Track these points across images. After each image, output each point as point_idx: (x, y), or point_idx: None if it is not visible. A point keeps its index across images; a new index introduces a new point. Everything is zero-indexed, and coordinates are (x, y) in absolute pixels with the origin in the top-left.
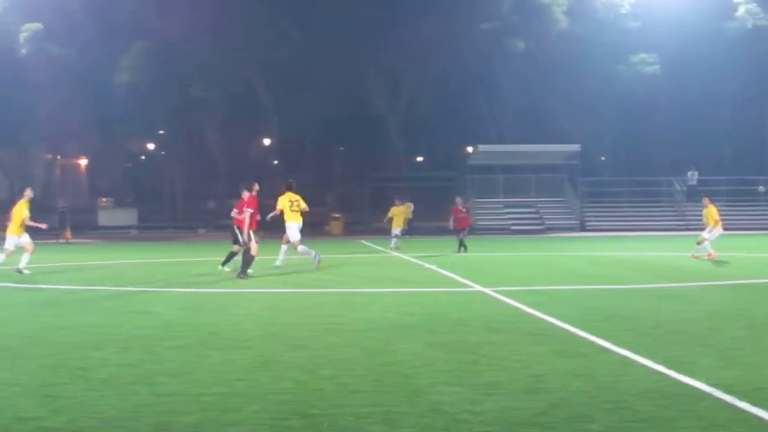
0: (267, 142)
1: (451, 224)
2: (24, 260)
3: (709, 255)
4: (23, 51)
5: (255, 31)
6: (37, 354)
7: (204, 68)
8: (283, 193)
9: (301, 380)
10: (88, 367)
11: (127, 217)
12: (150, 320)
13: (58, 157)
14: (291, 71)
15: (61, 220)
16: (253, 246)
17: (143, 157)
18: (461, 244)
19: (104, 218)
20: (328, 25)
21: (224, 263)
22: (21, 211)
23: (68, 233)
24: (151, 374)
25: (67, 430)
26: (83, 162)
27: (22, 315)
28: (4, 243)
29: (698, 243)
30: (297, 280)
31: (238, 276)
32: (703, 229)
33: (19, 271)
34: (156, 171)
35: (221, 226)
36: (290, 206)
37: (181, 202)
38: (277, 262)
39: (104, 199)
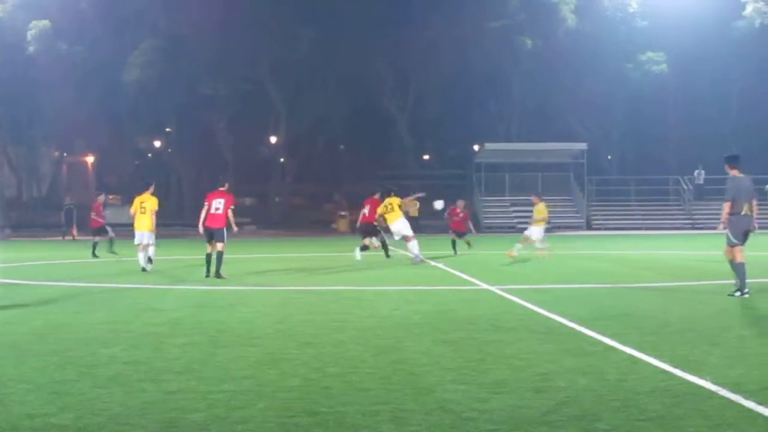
0: (275, 139)
1: (445, 219)
2: None
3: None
4: (31, 48)
5: (265, 28)
6: (45, 351)
7: (213, 66)
8: (381, 198)
9: (309, 378)
10: (96, 364)
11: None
12: (158, 317)
13: (65, 154)
14: (300, 69)
15: (68, 217)
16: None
17: (151, 155)
18: (455, 245)
19: (112, 215)
20: (338, 24)
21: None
22: None
23: (75, 230)
24: (158, 371)
25: (74, 427)
26: (90, 159)
27: (30, 312)
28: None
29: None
30: (306, 278)
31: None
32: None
33: None
34: (164, 168)
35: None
36: (385, 209)
37: (188, 199)
38: (419, 256)
39: (111, 197)
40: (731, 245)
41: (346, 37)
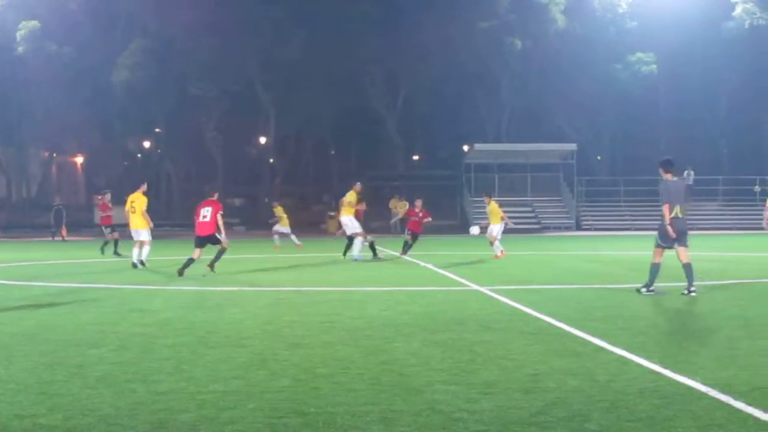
0: (265, 140)
1: (393, 219)
2: None
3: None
4: (20, 49)
5: (254, 30)
6: (34, 351)
7: (202, 66)
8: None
9: (298, 378)
10: (85, 364)
11: (123, 214)
12: (147, 318)
13: (55, 154)
14: (289, 70)
15: (57, 217)
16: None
17: (140, 155)
18: (407, 245)
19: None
20: (328, 24)
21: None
22: None
23: (64, 231)
24: (147, 372)
25: (63, 428)
26: (80, 160)
27: (19, 312)
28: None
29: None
30: (295, 278)
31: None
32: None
33: None
34: (153, 169)
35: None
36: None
37: (178, 199)
38: (359, 257)
39: (101, 197)
40: (658, 247)
41: (336, 37)
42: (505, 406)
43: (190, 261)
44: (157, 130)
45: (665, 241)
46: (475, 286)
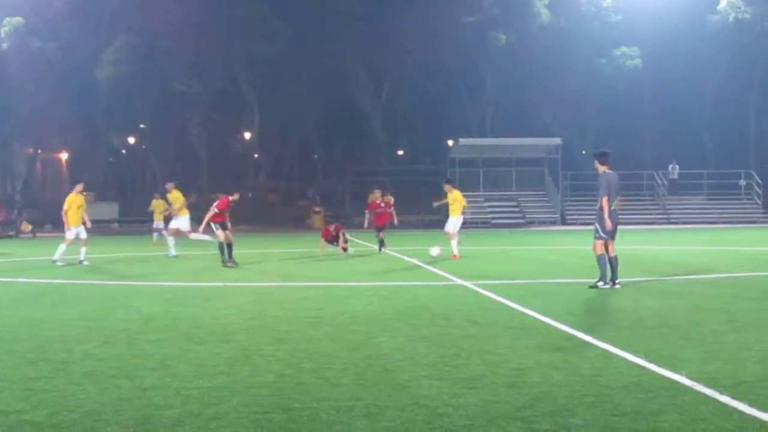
0: (249, 136)
1: (366, 224)
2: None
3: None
4: (4, 45)
5: (239, 26)
6: (19, 348)
7: (187, 63)
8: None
9: (283, 374)
10: (70, 360)
11: (108, 211)
12: (132, 314)
13: (39, 151)
14: (274, 66)
15: (18, 215)
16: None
17: (125, 152)
18: (381, 243)
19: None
20: (311, 20)
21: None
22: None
23: (23, 226)
24: (132, 368)
25: (48, 424)
26: (65, 156)
27: (3, 309)
28: None
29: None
30: (280, 274)
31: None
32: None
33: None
34: (138, 165)
35: (202, 219)
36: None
37: (162, 196)
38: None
39: (85, 194)
40: (600, 239)
41: (319, 34)
42: (490, 401)
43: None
44: (141, 126)
45: (607, 233)
46: (459, 281)
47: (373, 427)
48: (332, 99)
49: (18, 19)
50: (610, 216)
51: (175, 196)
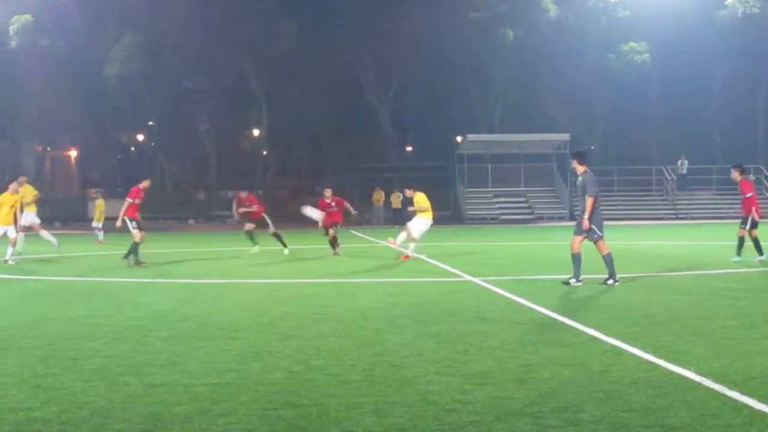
0: (258, 132)
1: (320, 223)
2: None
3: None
4: (13, 43)
5: (246, 23)
6: (28, 345)
7: (195, 60)
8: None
9: (292, 370)
10: (79, 358)
11: (117, 208)
12: (141, 311)
13: (49, 148)
14: (282, 62)
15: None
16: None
17: (133, 149)
18: (334, 242)
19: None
20: (320, 17)
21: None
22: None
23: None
24: (141, 365)
25: (58, 421)
26: (74, 154)
27: (13, 306)
28: None
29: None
30: (288, 271)
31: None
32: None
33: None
34: (146, 162)
35: (212, 216)
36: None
37: (171, 193)
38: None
39: (94, 191)
40: (599, 239)
41: (327, 30)
42: (499, 397)
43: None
44: (150, 123)
45: (602, 230)
46: (468, 277)
47: (382, 423)
48: (340, 95)
49: (27, 17)
50: (597, 214)
51: (27, 190)
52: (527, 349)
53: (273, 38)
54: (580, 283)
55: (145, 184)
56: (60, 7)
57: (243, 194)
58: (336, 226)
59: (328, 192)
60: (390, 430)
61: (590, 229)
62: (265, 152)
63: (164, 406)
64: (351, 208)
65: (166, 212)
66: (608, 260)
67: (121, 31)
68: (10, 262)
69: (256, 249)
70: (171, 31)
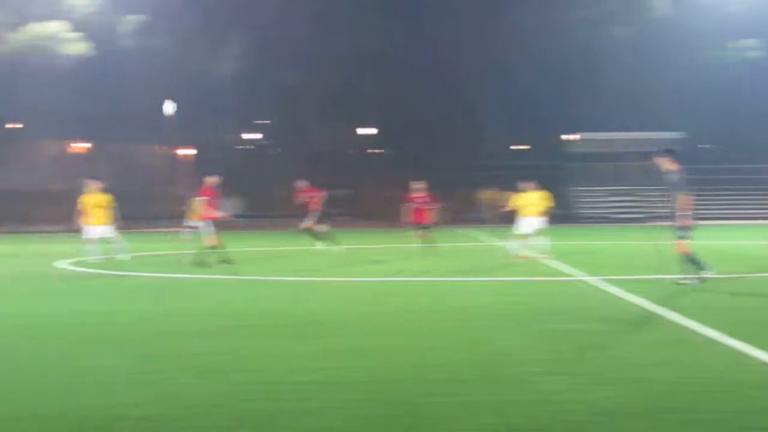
0: (369, 131)
1: (408, 219)
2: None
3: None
4: (126, 43)
5: (356, 19)
6: (136, 340)
7: (305, 58)
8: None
9: (405, 368)
10: (185, 354)
11: (234, 206)
12: (250, 308)
13: (167, 148)
14: (391, 60)
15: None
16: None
17: (244, 147)
18: (426, 240)
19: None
20: (431, 15)
21: None
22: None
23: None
24: (247, 361)
25: (169, 417)
26: (189, 153)
27: (116, 303)
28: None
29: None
30: (399, 269)
31: None
32: None
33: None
34: (257, 161)
35: (325, 214)
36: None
37: (282, 191)
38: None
39: (200, 189)
40: (685, 237)
41: (437, 27)
42: (616, 397)
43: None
44: (261, 122)
45: (690, 230)
46: (581, 277)
47: (499, 422)
48: (449, 93)
49: (138, 17)
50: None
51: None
52: (644, 349)
53: (383, 35)
54: (697, 282)
55: (212, 179)
56: (170, 8)
57: (302, 184)
58: (428, 227)
59: (419, 185)
60: (507, 430)
61: (685, 226)
62: (377, 150)
63: (275, 403)
64: (435, 209)
65: (277, 210)
66: (688, 259)
67: (231, 29)
68: (120, 258)
69: (337, 249)
70: (280, 29)
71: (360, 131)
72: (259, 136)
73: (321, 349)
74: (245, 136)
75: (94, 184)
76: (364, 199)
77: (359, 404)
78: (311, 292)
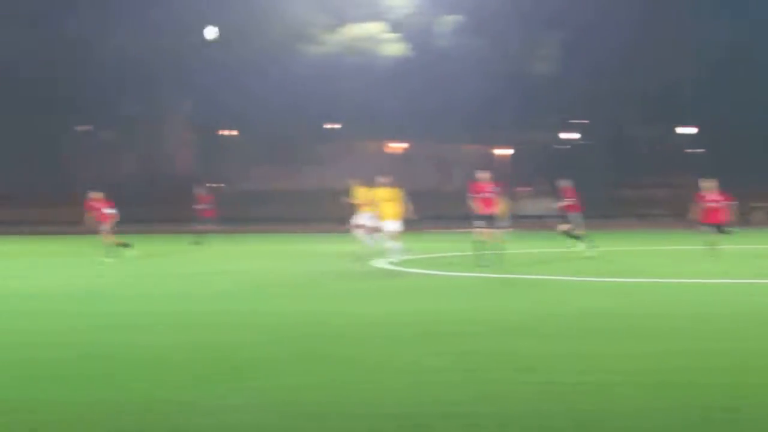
0: (689, 130)
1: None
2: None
3: None
4: (444, 43)
5: (680, 19)
6: (456, 336)
7: (623, 59)
8: None
9: (727, 371)
10: (509, 352)
11: (548, 206)
12: (562, 308)
13: (481, 146)
14: (716, 57)
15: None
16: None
17: (562, 146)
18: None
19: (526, 207)
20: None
21: None
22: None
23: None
24: (540, 360)
25: (496, 416)
26: (505, 152)
27: (448, 303)
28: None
29: None
30: (722, 271)
31: None
32: None
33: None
34: (575, 161)
35: (642, 215)
36: None
37: (599, 191)
38: None
39: (524, 189)
40: None
41: None
42: None
43: None
44: (578, 121)
45: None
46: None
47: None
48: None
49: (457, 17)
50: None
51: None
52: None
53: (709, 33)
54: None
55: (484, 175)
56: (485, 8)
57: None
58: (721, 227)
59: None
60: None
61: None
62: (696, 150)
63: (603, 404)
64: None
65: (597, 210)
66: None
67: (546, 28)
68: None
69: (583, 247)
70: (597, 28)
71: (679, 130)
72: (576, 135)
73: (657, 350)
74: (563, 135)
75: (383, 180)
76: (684, 200)
77: (685, 405)
78: (645, 294)
